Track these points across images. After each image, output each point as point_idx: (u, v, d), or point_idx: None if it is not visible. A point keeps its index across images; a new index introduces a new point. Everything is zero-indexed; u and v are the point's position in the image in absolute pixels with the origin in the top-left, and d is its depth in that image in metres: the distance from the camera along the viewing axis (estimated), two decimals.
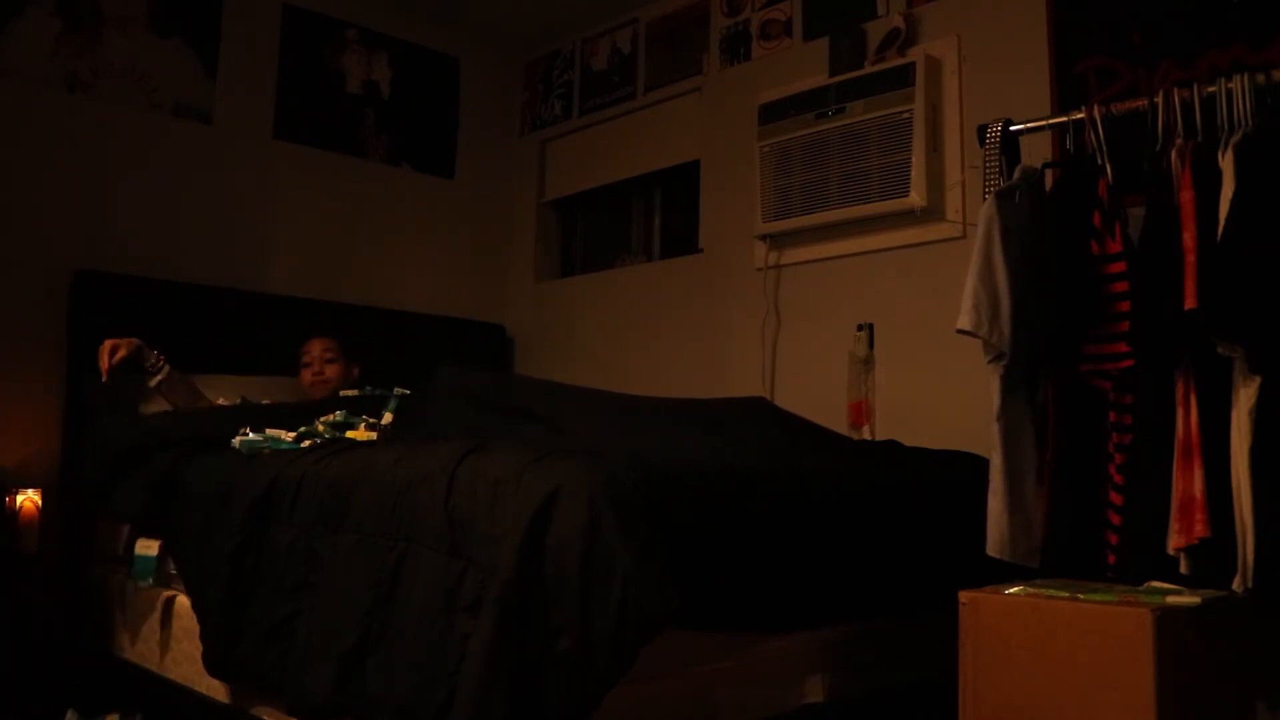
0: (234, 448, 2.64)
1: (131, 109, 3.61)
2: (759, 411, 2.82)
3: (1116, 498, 2.09)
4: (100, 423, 2.99)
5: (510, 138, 4.76)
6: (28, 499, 3.03)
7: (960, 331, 2.16)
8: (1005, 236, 2.20)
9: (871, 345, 3.29)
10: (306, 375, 3.30)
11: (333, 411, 2.80)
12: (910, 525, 2.21)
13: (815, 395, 3.27)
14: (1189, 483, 1.95)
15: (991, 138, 2.42)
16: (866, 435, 3.19)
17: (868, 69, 3.30)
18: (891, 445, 2.74)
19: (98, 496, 2.76)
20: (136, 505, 2.58)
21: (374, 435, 2.61)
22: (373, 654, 1.83)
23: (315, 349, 3.32)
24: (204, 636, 2.24)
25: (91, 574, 3.04)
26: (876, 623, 2.22)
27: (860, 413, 3.25)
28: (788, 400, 3.29)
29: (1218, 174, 1.96)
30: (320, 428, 2.64)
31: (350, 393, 3.11)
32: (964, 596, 1.79)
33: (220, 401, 3.15)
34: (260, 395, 3.30)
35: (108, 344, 2.98)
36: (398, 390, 3.04)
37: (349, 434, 2.64)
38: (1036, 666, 1.68)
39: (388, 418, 2.81)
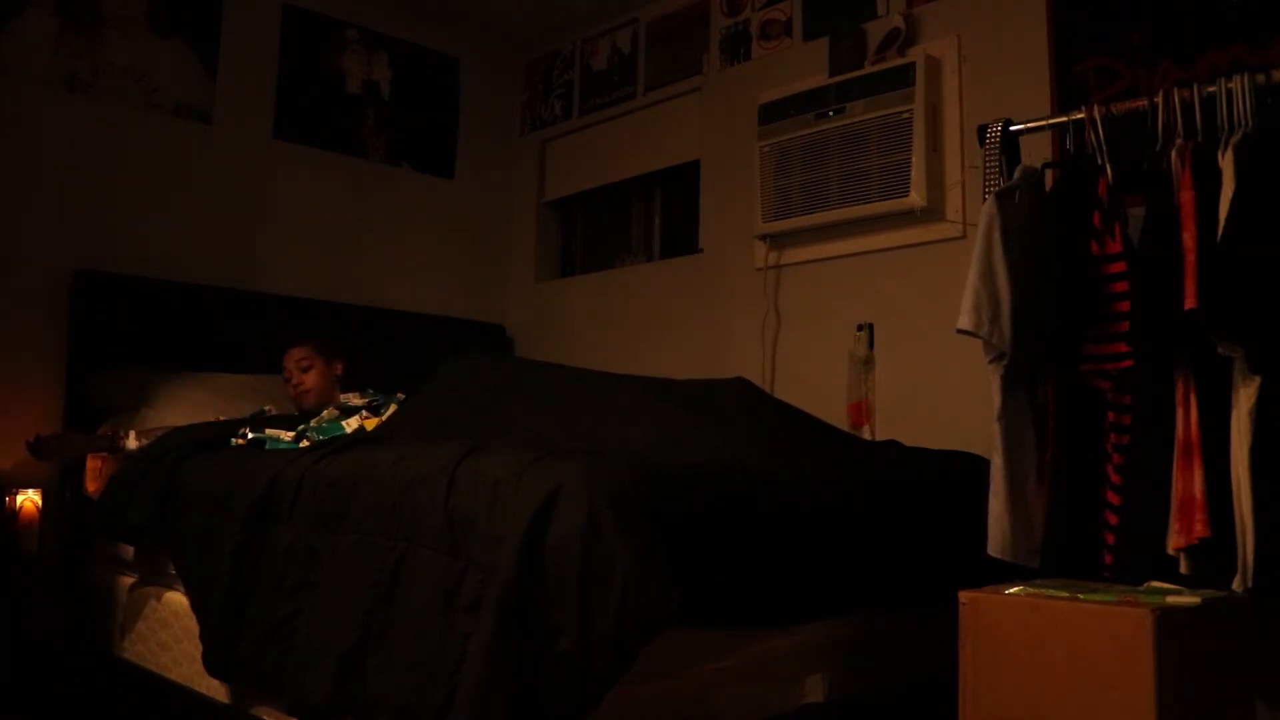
0: (233, 447, 2.65)
1: (131, 109, 3.61)
2: (753, 399, 2.82)
3: (1114, 498, 2.09)
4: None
5: (510, 138, 4.76)
6: (28, 499, 3.03)
7: (961, 331, 2.16)
8: (1006, 236, 2.20)
9: (871, 345, 3.29)
10: (289, 389, 3.25)
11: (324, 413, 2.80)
12: (910, 524, 2.21)
13: (815, 395, 3.27)
14: (1189, 483, 1.95)
15: (991, 138, 2.42)
16: (866, 435, 3.19)
17: (868, 69, 3.30)
18: (892, 445, 2.74)
19: (116, 518, 2.69)
20: (144, 514, 2.56)
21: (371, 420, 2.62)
22: (373, 654, 1.83)
23: (289, 361, 3.24)
24: (204, 636, 2.24)
25: (91, 574, 3.04)
26: (876, 621, 2.22)
27: (860, 413, 3.25)
28: (787, 400, 3.29)
29: (1218, 174, 1.96)
30: (316, 436, 2.64)
31: (351, 396, 3.10)
32: (964, 596, 1.79)
33: (221, 417, 3.10)
34: (260, 395, 3.30)
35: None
36: (400, 396, 3.04)
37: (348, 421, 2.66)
38: (1036, 666, 1.68)
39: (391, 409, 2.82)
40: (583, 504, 1.64)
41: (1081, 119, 2.27)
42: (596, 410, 2.38)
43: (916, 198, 3.12)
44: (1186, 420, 1.97)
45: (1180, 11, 2.70)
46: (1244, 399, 1.90)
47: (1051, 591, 1.75)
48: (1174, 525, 1.96)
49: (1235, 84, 2.06)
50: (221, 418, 3.01)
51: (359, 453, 2.20)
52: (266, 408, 3.11)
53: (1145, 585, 1.85)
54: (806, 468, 2.15)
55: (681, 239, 4.15)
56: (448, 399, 2.55)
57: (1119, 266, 2.12)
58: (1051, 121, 2.42)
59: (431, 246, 4.42)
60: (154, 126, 3.66)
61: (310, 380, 3.20)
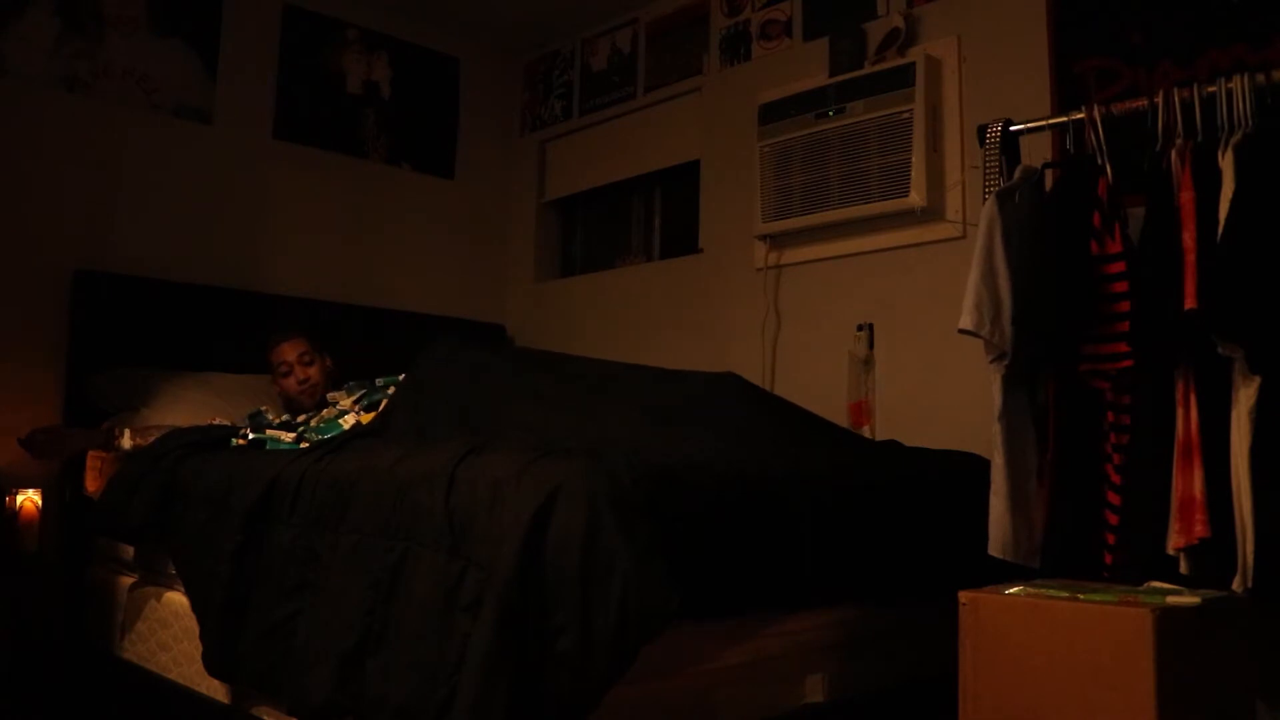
0: (233, 447, 2.64)
1: (131, 109, 3.61)
2: (750, 395, 2.82)
3: (1114, 498, 2.09)
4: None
5: (510, 138, 4.76)
6: (28, 499, 3.03)
7: (962, 331, 2.16)
8: (1006, 236, 2.20)
9: (871, 345, 3.29)
10: (290, 384, 3.14)
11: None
12: (910, 524, 2.21)
13: (815, 395, 3.27)
14: (1189, 483, 1.95)
15: (991, 138, 2.42)
16: (867, 435, 3.19)
17: (868, 69, 3.30)
18: (892, 445, 2.74)
19: (116, 518, 2.67)
20: (144, 514, 2.55)
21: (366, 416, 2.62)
22: (373, 654, 1.83)
23: (290, 354, 3.14)
24: (204, 636, 2.24)
25: (91, 574, 3.04)
26: (876, 621, 2.22)
27: (860, 413, 3.25)
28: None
29: (1218, 174, 1.96)
30: (315, 436, 2.64)
31: (338, 396, 3.08)
32: (964, 596, 1.79)
33: (219, 420, 3.05)
34: (260, 395, 3.29)
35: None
36: (378, 381, 3.01)
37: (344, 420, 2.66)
38: (1036, 666, 1.68)
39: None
40: (582, 504, 1.64)
41: (1081, 119, 2.28)
42: (594, 407, 2.38)
43: (916, 198, 3.12)
44: (1186, 420, 1.98)
45: (1180, 11, 2.70)
46: (1244, 399, 1.90)
47: (1051, 591, 1.75)
48: (1174, 525, 1.96)
49: (1235, 84, 2.06)
50: (220, 419, 3.01)
51: (359, 452, 2.20)
52: (264, 408, 3.10)
53: (1145, 585, 1.85)
54: (806, 466, 2.14)
55: (681, 239, 4.15)
56: (443, 394, 2.54)
57: (1119, 266, 2.12)
58: (1051, 121, 2.42)
59: (431, 246, 4.42)
60: (154, 126, 3.66)
61: (314, 374, 3.16)
